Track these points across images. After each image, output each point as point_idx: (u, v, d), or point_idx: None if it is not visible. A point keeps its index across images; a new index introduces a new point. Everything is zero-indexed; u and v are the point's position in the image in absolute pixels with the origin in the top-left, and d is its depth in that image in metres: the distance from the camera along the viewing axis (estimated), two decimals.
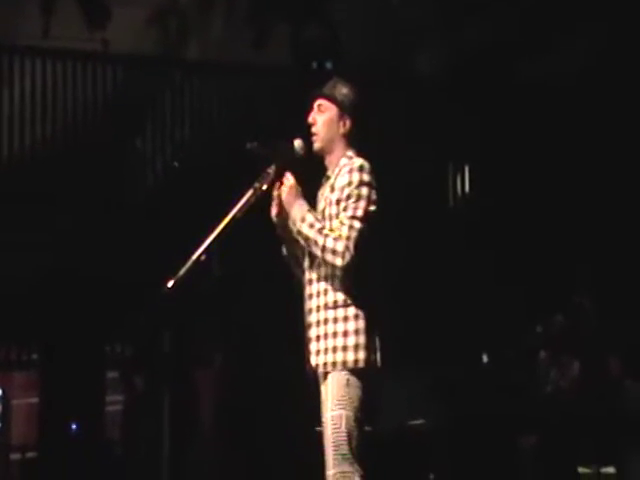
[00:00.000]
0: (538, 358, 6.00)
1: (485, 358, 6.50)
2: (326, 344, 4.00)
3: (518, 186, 8.00)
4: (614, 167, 7.60)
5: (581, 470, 5.49)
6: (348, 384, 3.94)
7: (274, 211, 4.15)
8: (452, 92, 8.26)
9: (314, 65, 7.62)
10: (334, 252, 3.92)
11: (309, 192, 4.22)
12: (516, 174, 8.08)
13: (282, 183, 4.08)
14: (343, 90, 4.15)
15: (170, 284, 3.99)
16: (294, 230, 4.06)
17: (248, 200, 4.07)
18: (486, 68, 7.90)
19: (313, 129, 4.14)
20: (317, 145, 4.13)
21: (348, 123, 4.12)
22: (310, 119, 4.15)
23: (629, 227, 7.32)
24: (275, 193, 4.11)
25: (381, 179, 4.07)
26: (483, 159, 8.39)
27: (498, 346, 6.51)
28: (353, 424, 3.92)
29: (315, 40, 7.64)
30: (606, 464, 5.43)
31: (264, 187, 4.10)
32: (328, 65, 7.52)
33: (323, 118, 4.13)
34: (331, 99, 4.13)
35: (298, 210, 4.02)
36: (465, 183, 8.44)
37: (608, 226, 7.41)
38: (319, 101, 4.15)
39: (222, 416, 7.65)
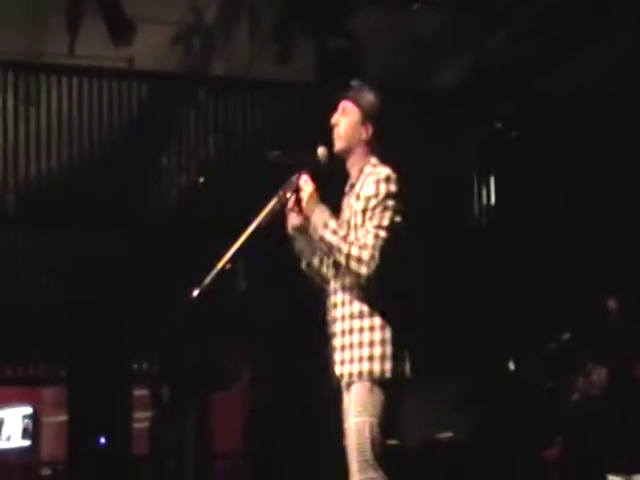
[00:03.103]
0: (564, 366, 5.96)
1: (512, 365, 6.46)
2: (352, 354, 3.96)
3: (543, 195, 7.98)
4: (637, 173, 7.57)
5: (611, 478, 5.43)
6: (372, 391, 3.91)
7: (292, 222, 4.13)
8: (476, 103, 8.26)
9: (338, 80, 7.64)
10: (359, 260, 3.88)
11: (332, 201, 4.21)
12: (541, 184, 8.05)
13: (301, 191, 4.07)
14: (369, 96, 4.13)
15: (195, 293, 4.00)
16: (315, 237, 4.02)
17: (272, 208, 4.06)
18: (507, 80, 7.90)
19: (335, 130, 4.13)
20: (339, 145, 4.10)
21: (370, 130, 4.09)
22: (333, 120, 4.14)
23: None
24: (290, 205, 4.09)
25: (405, 189, 4.06)
26: (509, 170, 8.37)
27: (524, 354, 6.47)
28: (377, 430, 3.89)
29: (338, 55, 7.65)
30: (636, 472, 5.37)
31: (288, 195, 4.09)
32: (353, 83, 7.53)
33: (346, 121, 4.11)
34: (356, 103, 4.12)
35: (320, 216, 3.99)
36: (491, 194, 8.42)
37: (634, 228, 7.37)
38: (344, 103, 4.14)
39: (251, 431, 7.64)
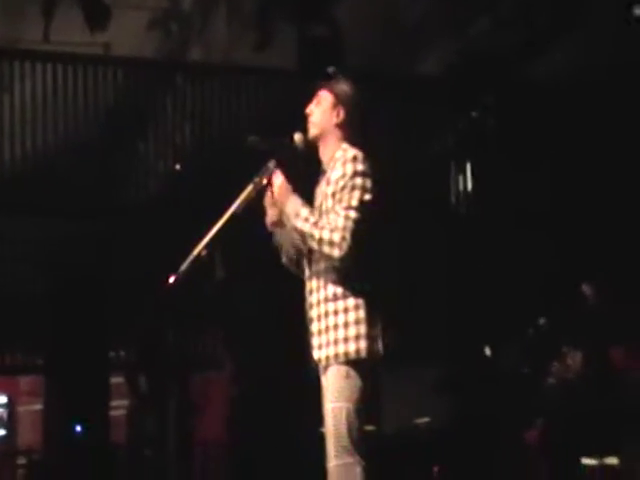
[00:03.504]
0: (541, 351, 5.99)
1: (488, 351, 6.49)
2: (327, 337, 4.00)
3: (520, 182, 8.00)
4: (618, 160, 7.59)
5: (585, 462, 5.47)
6: (348, 376, 3.93)
7: (269, 218, 4.16)
8: (456, 91, 8.26)
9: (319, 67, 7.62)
10: (331, 244, 3.92)
11: (307, 188, 4.22)
12: (519, 171, 8.07)
13: (272, 184, 4.09)
14: (341, 84, 4.22)
15: (172, 280, 4.00)
16: (289, 226, 4.06)
17: (248, 195, 4.08)
18: (490, 67, 7.90)
19: (310, 119, 4.18)
20: (312, 131, 4.16)
21: (342, 114, 4.15)
22: (308, 110, 4.20)
23: (632, 216, 7.31)
24: (266, 199, 4.11)
25: (382, 175, 4.07)
26: (485, 157, 8.38)
27: (500, 340, 6.50)
28: (353, 415, 3.91)
29: (319, 42, 7.63)
30: (610, 455, 5.41)
31: (264, 181, 4.11)
32: (330, 70, 7.51)
33: (320, 108, 4.18)
34: (329, 89, 4.18)
35: (292, 206, 4.03)
36: (467, 181, 8.44)
37: (611, 216, 7.40)
38: (318, 93, 4.20)
39: (234, 420, 7.63)
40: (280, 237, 4.21)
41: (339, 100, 4.16)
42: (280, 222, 4.14)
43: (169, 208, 7.97)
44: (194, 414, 7.68)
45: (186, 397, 7.62)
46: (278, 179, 4.08)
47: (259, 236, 4.29)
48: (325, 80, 4.32)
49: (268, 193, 4.10)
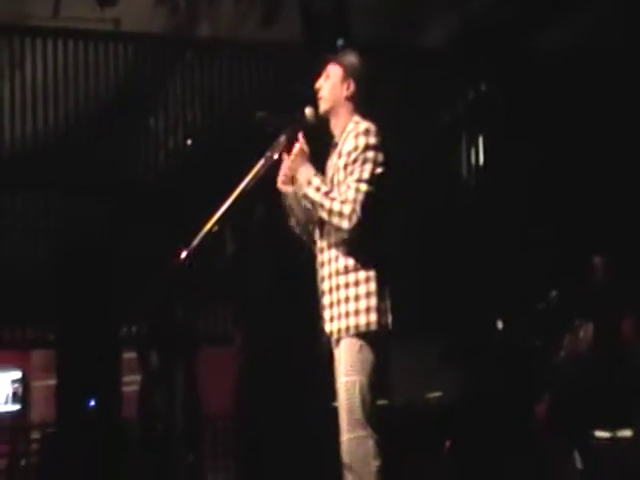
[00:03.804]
0: (552, 324, 5.99)
1: (500, 325, 6.49)
2: (339, 310, 4.01)
3: (531, 156, 7.99)
4: (627, 131, 7.57)
5: (598, 434, 5.48)
6: (361, 350, 3.95)
7: (281, 179, 4.17)
8: (465, 63, 8.24)
9: (324, 41, 7.60)
10: (341, 215, 3.93)
11: (319, 163, 4.23)
12: (529, 145, 8.06)
13: (291, 150, 4.10)
14: (350, 56, 4.22)
15: (183, 255, 4.02)
16: (300, 194, 4.06)
17: (260, 170, 4.09)
18: (497, 39, 7.87)
19: (319, 94, 4.17)
20: (323, 106, 4.17)
21: (352, 86, 4.15)
22: (317, 85, 4.20)
23: None
24: (283, 161, 4.12)
25: (394, 148, 4.08)
26: (497, 131, 8.37)
27: (513, 312, 6.50)
28: (367, 389, 3.94)
29: (324, 15, 7.61)
30: (622, 427, 5.42)
31: (275, 156, 4.12)
32: (339, 43, 7.49)
33: (329, 82, 4.18)
34: (337, 62, 4.19)
35: (305, 174, 4.04)
36: (479, 154, 8.43)
37: (623, 188, 7.40)
38: (327, 68, 4.20)
39: (243, 396, 7.65)
40: (291, 200, 4.22)
41: (348, 73, 4.16)
42: (292, 183, 4.15)
43: (179, 183, 7.99)
44: (199, 389, 7.71)
45: (194, 372, 7.64)
46: (297, 146, 4.09)
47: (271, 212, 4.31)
48: (332, 53, 4.32)
49: (282, 159, 4.11)
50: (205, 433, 7.96)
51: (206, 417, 7.82)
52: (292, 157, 4.08)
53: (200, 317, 8.05)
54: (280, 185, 4.18)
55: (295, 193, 4.15)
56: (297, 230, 4.30)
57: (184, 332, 7.67)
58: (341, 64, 4.19)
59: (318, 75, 4.22)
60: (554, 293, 6.15)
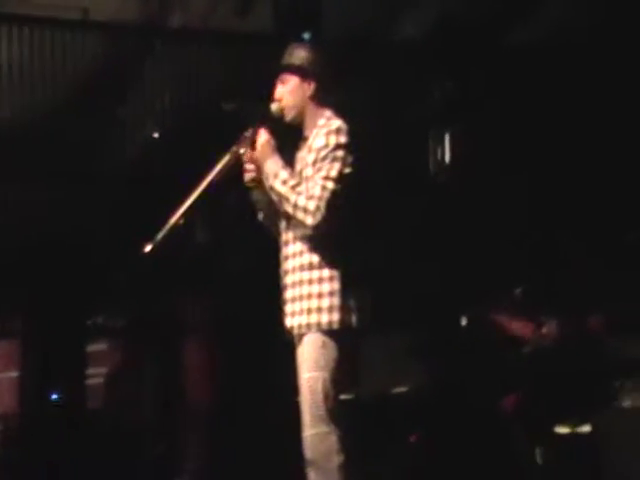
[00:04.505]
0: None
1: (464, 321, 6.51)
2: (301, 306, 4.01)
3: (500, 152, 8.01)
4: (593, 132, 7.61)
5: (559, 430, 5.51)
6: (324, 345, 3.95)
7: (247, 174, 4.14)
8: (434, 58, 8.24)
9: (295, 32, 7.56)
10: (305, 210, 3.93)
11: (288, 154, 4.21)
12: (498, 141, 8.08)
13: (256, 142, 4.07)
14: (300, 54, 4.14)
15: (148, 248, 4.00)
16: (267, 186, 4.04)
17: (226, 164, 4.08)
18: (470, 33, 7.88)
19: (282, 104, 4.12)
20: (289, 116, 4.13)
21: (313, 84, 4.11)
22: (276, 95, 4.14)
23: (610, 190, 7.35)
24: (247, 155, 4.09)
25: (360, 144, 4.06)
26: (465, 127, 8.38)
27: (477, 309, 6.51)
28: (329, 385, 3.94)
29: (296, 6, 7.58)
30: (582, 423, 5.45)
31: (241, 150, 4.10)
32: (306, 36, 7.46)
33: (287, 90, 4.13)
34: (289, 68, 4.12)
35: (272, 165, 4.02)
36: (445, 151, 8.43)
37: (592, 184, 7.43)
38: (281, 75, 4.14)
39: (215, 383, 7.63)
40: (258, 195, 4.20)
41: (305, 72, 4.10)
42: (259, 179, 4.12)
43: (148, 173, 7.93)
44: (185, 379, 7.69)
45: (172, 362, 7.62)
46: (263, 136, 4.06)
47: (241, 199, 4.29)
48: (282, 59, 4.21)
49: (249, 150, 4.09)
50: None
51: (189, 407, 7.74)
52: (259, 149, 4.06)
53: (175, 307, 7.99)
54: (246, 181, 4.16)
55: (261, 189, 4.13)
56: (265, 223, 4.30)
57: (163, 322, 7.66)
58: (294, 67, 4.11)
59: (274, 84, 4.16)
60: (519, 290, 6.17)
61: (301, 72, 4.09)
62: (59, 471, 7.01)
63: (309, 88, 4.09)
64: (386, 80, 8.10)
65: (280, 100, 4.12)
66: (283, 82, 4.13)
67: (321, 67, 4.12)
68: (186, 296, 8.03)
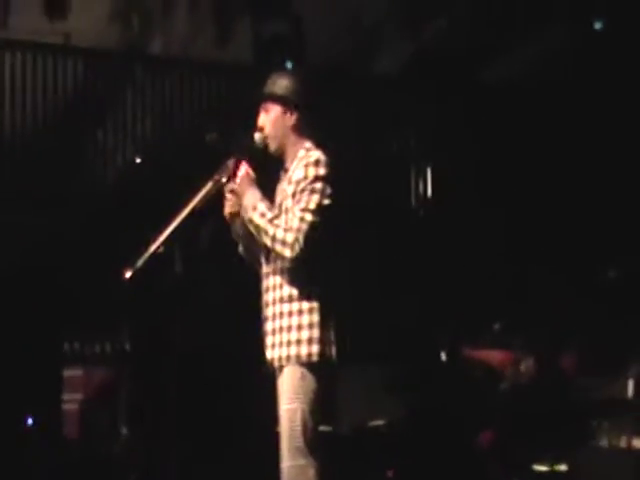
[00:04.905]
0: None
1: (443, 356, 6.50)
2: (281, 338, 3.99)
3: (480, 188, 8.06)
4: (572, 165, 7.67)
5: (536, 468, 5.51)
6: (303, 377, 3.93)
7: (227, 208, 4.13)
8: (414, 92, 8.29)
9: (275, 63, 7.59)
10: (283, 243, 3.91)
11: (269, 186, 4.21)
12: (478, 176, 8.13)
13: (236, 175, 4.07)
14: (282, 83, 4.13)
15: (127, 275, 3.97)
16: (245, 218, 4.04)
17: (207, 192, 4.06)
18: (447, 68, 7.93)
19: (265, 133, 4.12)
20: (272, 147, 4.12)
21: (295, 114, 4.10)
22: (260, 123, 4.14)
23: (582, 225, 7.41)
24: (228, 188, 4.08)
25: (340, 177, 4.07)
26: (445, 161, 8.43)
27: (456, 344, 6.52)
28: (308, 417, 3.91)
29: (278, 37, 7.61)
30: (560, 461, 5.45)
31: (223, 179, 4.09)
32: (288, 65, 7.49)
33: (269, 119, 4.12)
34: (272, 97, 4.12)
35: (250, 198, 4.01)
36: (427, 185, 8.48)
37: (573, 218, 7.48)
38: (264, 104, 4.14)
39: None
40: (238, 228, 4.19)
41: (287, 102, 4.10)
42: (238, 213, 4.12)
43: (126, 199, 7.91)
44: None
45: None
46: (242, 169, 4.06)
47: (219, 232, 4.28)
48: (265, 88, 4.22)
49: (230, 183, 4.08)
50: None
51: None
52: (238, 181, 4.06)
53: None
54: (226, 216, 4.15)
55: (241, 222, 4.12)
56: (245, 257, 4.28)
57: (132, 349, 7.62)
58: (277, 96, 4.11)
59: (257, 113, 4.17)
60: (497, 325, 6.19)
61: (283, 101, 4.09)
62: None
63: (290, 118, 4.09)
64: (365, 111, 8.14)
65: (263, 129, 4.12)
66: (266, 110, 4.13)
67: (303, 97, 4.11)
68: (164, 324, 7.99)
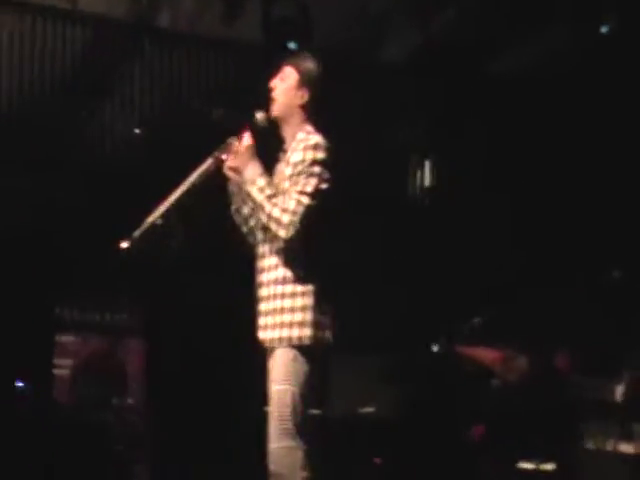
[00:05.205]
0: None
1: (435, 348, 6.50)
2: (274, 319, 4.00)
3: (486, 179, 8.06)
4: (576, 160, 7.66)
5: (522, 466, 5.51)
6: (295, 359, 3.94)
7: (230, 162, 4.11)
8: (417, 81, 8.28)
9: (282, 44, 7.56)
10: (278, 222, 3.92)
11: (268, 166, 4.21)
12: (479, 167, 8.13)
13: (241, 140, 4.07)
14: (308, 63, 4.18)
15: (124, 245, 3.98)
16: (244, 191, 4.04)
17: (207, 169, 4.07)
18: (453, 58, 7.91)
19: (273, 94, 4.15)
20: (275, 111, 4.14)
21: (306, 95, 4.13)
22: (271, 84, 4.16)
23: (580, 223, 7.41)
24: (227, 166, 4.09)
25: (340, 164, 4.08)
26: (446, 152, 8.42)
27: (448, 337, 6.52)
28: (298, 399, 3.92)
29: (286, 19, 7.59)
30: (547, 460, 5.45)
31: (224, 157, 4.09)
32: (292, 46, 7.48)
33: (283, 85, 4.15)
34: (294, 67, 4.15)
35: (251, 172, 4.02)
36: (426, 175, 8.47)
37: (573, 213, 7.48)
38: (283, 68, 4.16)
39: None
40: (234, 187, 4.19)
41: (304, 80, 4.12)
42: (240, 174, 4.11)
43: (127, 169, 7.90)
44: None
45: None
46: (246, 141, 4.07)
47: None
48: (292, 56, 4.27)
49: (233, 148, 4.08)
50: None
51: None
52: (240, 153, 4.06)
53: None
54: (226, 170, 4.14)
55: (238, 183, 4.12)
56: (237, 219, 4.28)
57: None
58: (298, 69, 4.15)
59: (274, 74, 4.19)
60: (476, 319, 6.19)
61: (302, 78, 4.11)
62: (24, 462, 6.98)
63: (302, 97, 4.11)
64: (372, 99, 8.12)
65: (273, 89, 4.14)
66: (282, 79, 4.16)
67: (318, 84, 4.14)
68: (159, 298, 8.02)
